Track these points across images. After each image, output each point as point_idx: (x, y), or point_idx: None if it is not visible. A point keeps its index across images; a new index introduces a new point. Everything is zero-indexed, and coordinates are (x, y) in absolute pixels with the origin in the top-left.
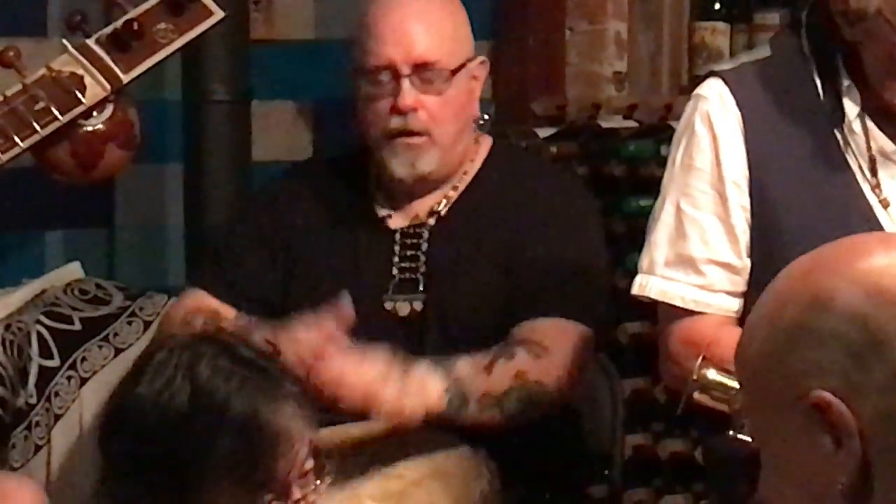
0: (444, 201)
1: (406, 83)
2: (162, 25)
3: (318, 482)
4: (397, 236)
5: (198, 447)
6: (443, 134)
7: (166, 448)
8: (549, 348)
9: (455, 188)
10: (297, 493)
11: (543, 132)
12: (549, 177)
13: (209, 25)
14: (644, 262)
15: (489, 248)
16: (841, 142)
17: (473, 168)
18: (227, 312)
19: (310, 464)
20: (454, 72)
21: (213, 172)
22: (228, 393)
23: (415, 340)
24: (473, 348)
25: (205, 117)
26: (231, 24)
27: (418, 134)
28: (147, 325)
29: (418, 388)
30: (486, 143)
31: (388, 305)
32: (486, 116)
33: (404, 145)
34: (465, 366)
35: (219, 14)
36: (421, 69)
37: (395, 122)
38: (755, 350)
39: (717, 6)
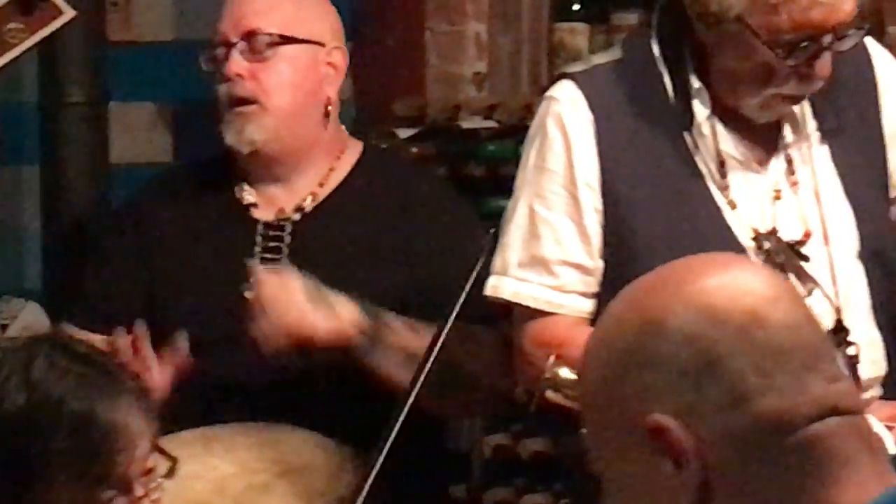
0: (311, 198)
1: (234, 52)
2: (12, 25)
3: (162, 479)
4: (261, 227)
5: (34, 444)
6: (274, 104)
7: (3, 446)
8: (486, 341)
9: (322, 185)
10: (139, 490)
11: (403, 133)
12: (427, 182)
13: (60, 24)
14: (497, 263)
15: (362, 249)
16: (690, 144)
17: (342, 168)
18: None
19: (153, 461)
20: (285, 41)
21: (70, 175)
22: (65, 390)
23: None
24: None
25: (61, 120)
26: (87, 26)
27: (247, 103)
28: (3, 328)
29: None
30: (357, 146)
31: (249, 294)
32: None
33: (234, 114)
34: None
35: (69, 13)
36: (249, 37)
37: (223, 90)
38: (592, 375)
39: (576, 7)
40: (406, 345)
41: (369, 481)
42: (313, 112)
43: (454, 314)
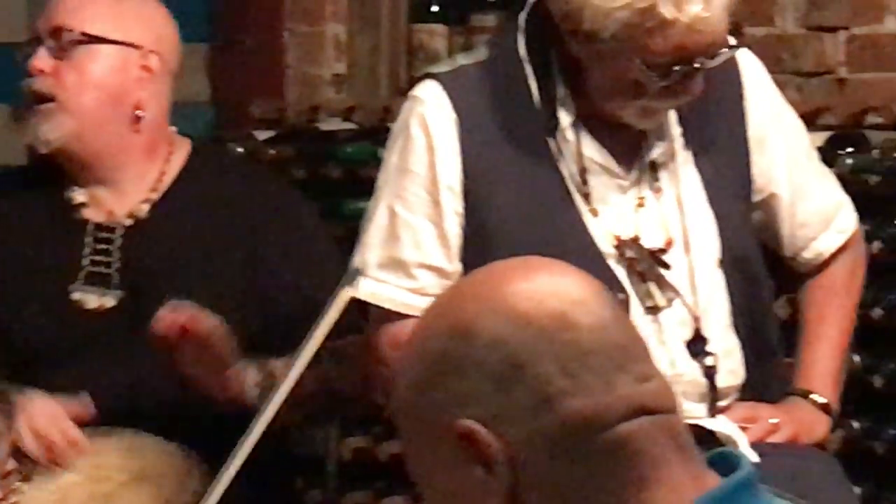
0: (146, 205)
1: (41, 49)
2: None
3: (20, 483)
4: (90, 228)
5: None
6: (74, 103)
7: None
8: (351, 355)
9: (155, 190)
10: None
11: (262, 135)
12: (264, 180)
13: None
14: (356, 261)
15: (198, 254)
16: (554, 149)
17: (172, 170)
18: None
19: (11, 464)
20: (92, 40)
21: None
22: None
23: (103, 335)
24: None
25: None
26: None
27: (46, 100)
28: None
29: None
30: (185, 145)
31: (75, 296)
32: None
33: (32, 112)
34: (280, 364)
35: None
36: (56, 35)
37: (25, 87)
38: (404, 383)
39: (435, 8)
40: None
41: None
42: (119, 115)
43: (309, 354)
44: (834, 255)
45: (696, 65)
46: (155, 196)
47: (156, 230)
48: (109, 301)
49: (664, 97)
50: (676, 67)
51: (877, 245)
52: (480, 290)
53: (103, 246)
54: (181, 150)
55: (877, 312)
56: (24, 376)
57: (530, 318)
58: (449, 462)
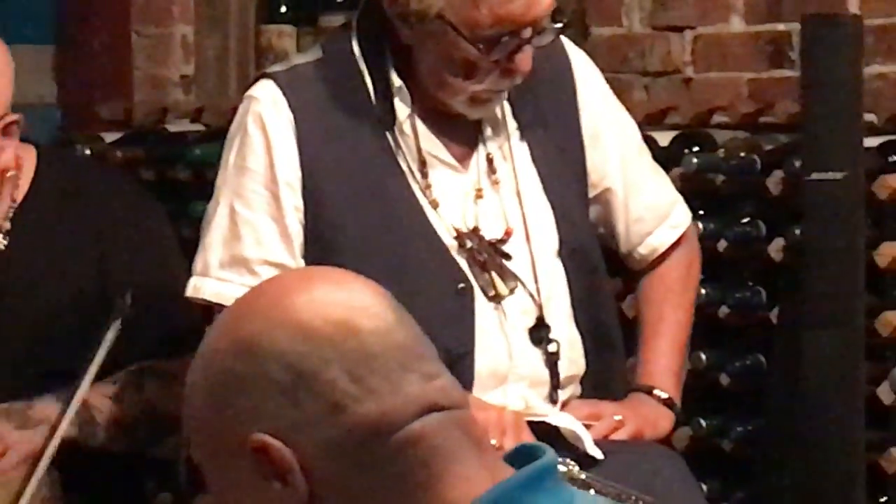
0: (8, 214)
1: None
2: None
3: None
4: None
5: None
6: None
7: None
8: (177, 375)
9: (14, 199)
10: None
11: (110, 137)
12: (112, 181)
13: None
14: (198, 264)
15: (61, 263)
16: (392, 144)
17: (26, 177)
18: None
19: None
20: None
21: None
22: None
23: None
24: (38, 368)
25: None
26: None
27: None
28: None
29: (44, 418)
30: (31, 151)
31: None
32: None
33: None
34: (95, 394)
35: None
36: None
37: None
38: (195, 404)
39: (283, 9)
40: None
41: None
42: None
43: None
44: (668, 251)
45: (525, 35)
46: (14, 205)
47: (20, 241)
48: None
49: (495, 77)
50: (504, 38)
51: (722, 244)
52: (262, 306)
53: None
54: (29, 159)
55: (723, 311)
56: None
57: (313, 328)
58: (246, 478)
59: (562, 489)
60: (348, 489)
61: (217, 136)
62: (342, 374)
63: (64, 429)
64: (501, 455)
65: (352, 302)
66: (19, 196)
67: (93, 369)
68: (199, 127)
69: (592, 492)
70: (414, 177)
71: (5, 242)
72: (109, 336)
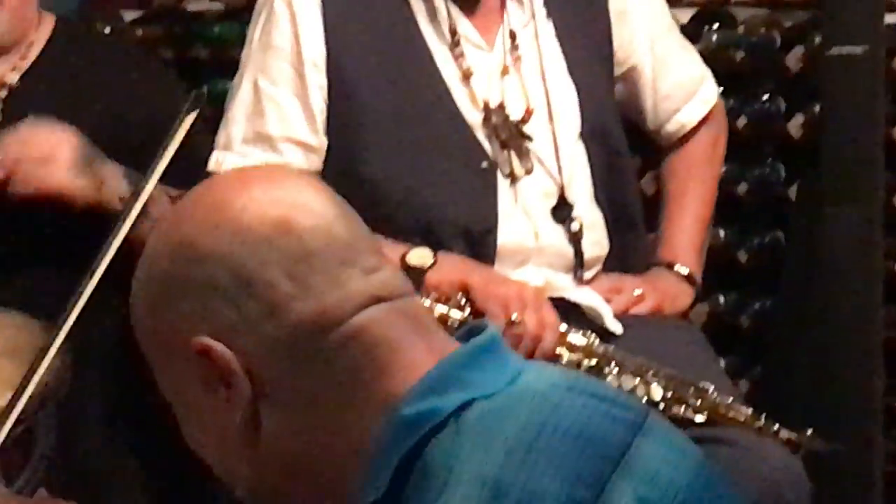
0: (14, 72)
1: None
2: None
3: None
4: None
5: None
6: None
7: None
8: None
9: (23, 58)
10: None
11: (129, 15)
12: (122, 51)
13: None
14: (221, 138)
15: (70, 119)
16: (420, 21)
17: (40, 40)
18: None
19: None
20: None
21: None
22: None
23: None
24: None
25: None
26: None
27: None
28: None
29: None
30: (49, 20)
31: None
32: None
33: None
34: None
35: None
36: None
37: None
38: (139, 309)
39: None
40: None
41: (53, 349)
42: None
43: (158, 170)
44: (696, 128)
45: None
46: (24, 64)
47: (28, 97)
48: None
49: None
50: None
51: (742, 121)
52: (199, 209)
53: None
54: (46, 24)
55: (742, 188)
56: None
57: (250, 229)
58: (192, 381)
59: (507, 363)
60: (293, 388)
61: (236, 13)
62: (281, 273)
63: (130, 221)
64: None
65: (289, 200)
66: (32, 55)
67: (161, 164)
68: (218, 5)
69: (613, 365)
70: (443, 53)
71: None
72: (181, 131)
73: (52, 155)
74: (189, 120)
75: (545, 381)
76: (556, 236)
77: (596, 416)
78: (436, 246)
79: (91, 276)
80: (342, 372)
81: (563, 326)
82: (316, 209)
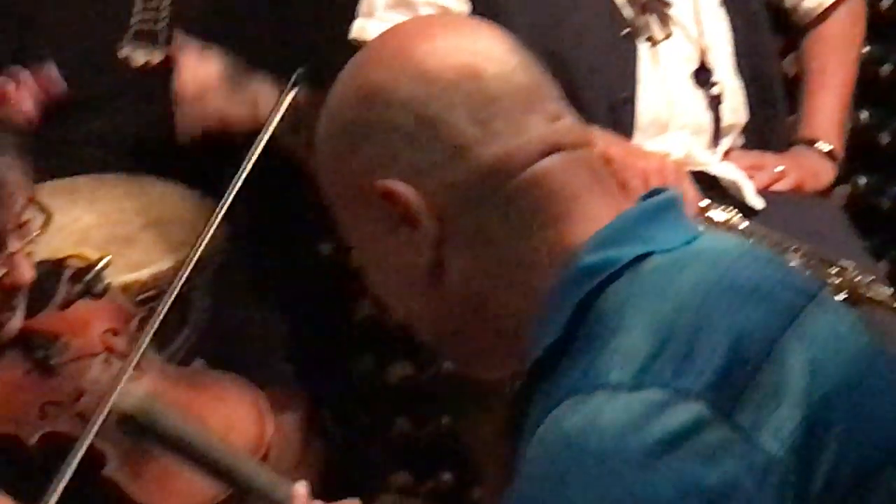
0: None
1: None
2: None
3: (37, 233)
4: None
5: None
6: None
7: None
8: None
9: None
10: (13, 245)
11: None
12: None
13: None
14: (364, 6)
15: (236, 19)
16: None
17: None
18: None
19: (28, 215)
20: None
21: None
22: None
23: (151, 91)
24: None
25: None
26: None
27: None
28: None
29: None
30: None
31: (123, 53)
32: None
33: None
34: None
35: None
36: None
37: None
38: (324, 156)
39: None
40: None
41: (215, 220)
42: None
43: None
44: (834, 5)
45: None
46: None
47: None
48: (157, 57)
49: None
50: None
51: (885, 2)
52: (385, 54)
53: (153, 4)
54: None
55: (884, 69)
56: (63, 121)
57: (436, 74)
58: (377, 226)
59: (684, 224)
60: (474, 231)
61: None
62: (465, 117)
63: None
64: (637, 195)
65: (474, 47)
66: None
67: (263, 140)
68: None
69: (752, 240)
70: None
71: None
72: (282, 108)
73: (204, 89)
74: (290, 97)
75: (722, 243)
76: (695, 102)
77: (771, 279)
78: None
79: (248, 160)
80: (522, 217)
81: (704, 201)
82: (499, 56)
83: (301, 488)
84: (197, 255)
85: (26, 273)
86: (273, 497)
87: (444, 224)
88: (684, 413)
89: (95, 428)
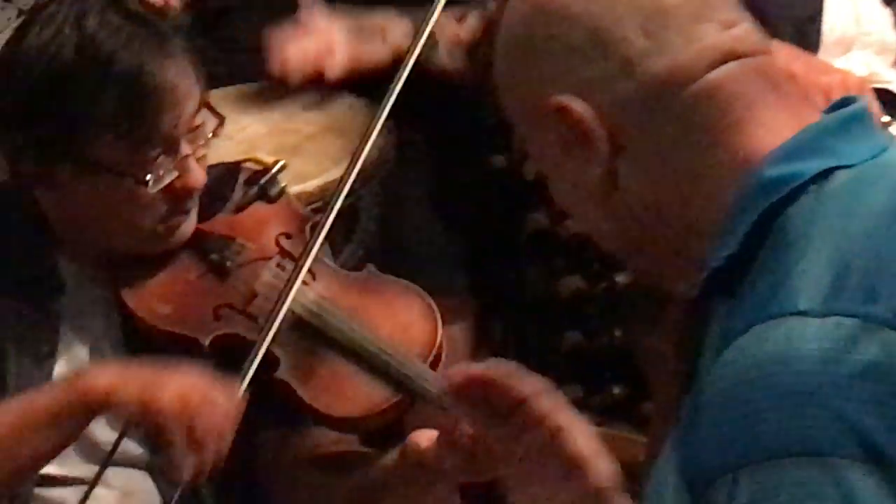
0: None
1: None
2: None
3: (209, 137)
4: None
5: (82, 100)
6: None
7: (52, 100)
8: None
9: None
10: (185, 149)
11: None
12: None
13: None
14: None
15: None
16: None
17: None
18: None
19: (199, 119)
20: None
21: None
22: (115, 47)
23: None
24: None
25: None
26: None
27: None
28: None
29: (382, 30)
30: None
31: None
32: None
33: None
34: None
35: None
36: None
37: None
38: (500, 76)
39: None
40: None
41: (374, 132)
42: None
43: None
44: None
45: None
46: None
47: None
48: None
49: None
50: None
51: None
52: None
53: None
54: None
55: None
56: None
57: None
58: (553, 140)
59: (873, 136)
60: (649, 144)
61: None
62: (635, 29)
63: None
64: (822, 106)
65: None
66: None
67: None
68: None
69: None
70: None
71: None
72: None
73: (326, 42)
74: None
75: None
76: (882, 21)
77: None
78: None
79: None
80: (697, 128)
81: (885, 118)
82: None
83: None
84: (360, 166)
85: (199, 177)
86: (443, 402)
87: (617, 138)
88: (878, 343)
89: (273, 331)
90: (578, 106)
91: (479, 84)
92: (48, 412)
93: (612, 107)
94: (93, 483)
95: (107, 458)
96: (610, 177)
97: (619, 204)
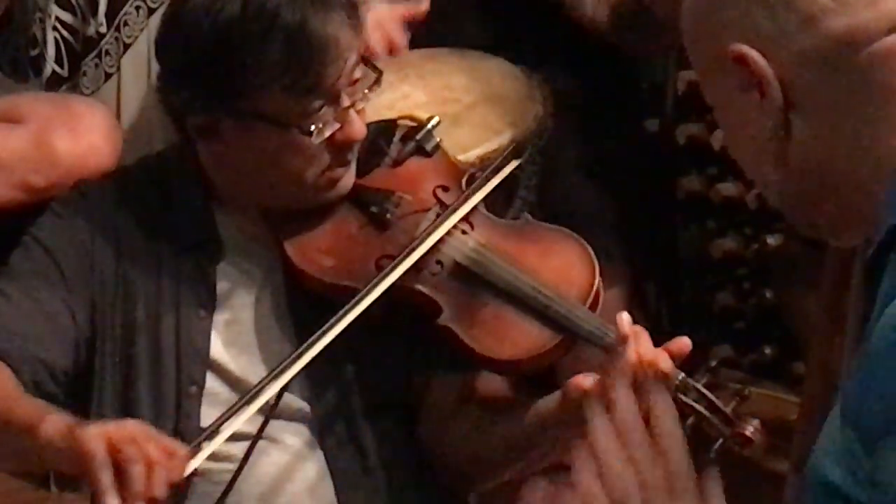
0: None
1: None
2: None
3: (368, 90)
4: None
5: (248, 53)
6: None
7: (218, 54)
8: None
9: None
10: (345, 101)
11: None
12: None
13: None
14: None
15: None
16: None
17: None
18: None
19: (359, 72)
20: None
21: None
22: (279, 1)
23: None
24: None
25: None
26: None
27: None
28: None
29: None
30: None
31: None
32: None
33: None
34: None
35: None
36: None
37: None
38: (687, 22)
39: None
40: None
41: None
42: None
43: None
44: None
45: None
46: None
47: None
48: None
49: None
50: None
51: None
52: None
53: None
54: None
55: None
56: None
57: None
58: (729, 87)
59: None
60: (823, 100)
61: None
62: None
63: None
64: None
65: None
66: None
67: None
68: None
69: None
70: None
71: None
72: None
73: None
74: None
75: None
76: None
77: None
78: None
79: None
80: (872, 89)
81: None
82: None
83: (625, 315)
84: (515, 135)
85: (359, 128)
86: (603, 342)
87: (791, 93)
88: None
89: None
90: (756, 55)
91: (619, 36)
92: (42, 439)
93: (788, 60)
94: (256, 436)
95: (269, 412)
96: (782, 129)
97: (790, 156)
